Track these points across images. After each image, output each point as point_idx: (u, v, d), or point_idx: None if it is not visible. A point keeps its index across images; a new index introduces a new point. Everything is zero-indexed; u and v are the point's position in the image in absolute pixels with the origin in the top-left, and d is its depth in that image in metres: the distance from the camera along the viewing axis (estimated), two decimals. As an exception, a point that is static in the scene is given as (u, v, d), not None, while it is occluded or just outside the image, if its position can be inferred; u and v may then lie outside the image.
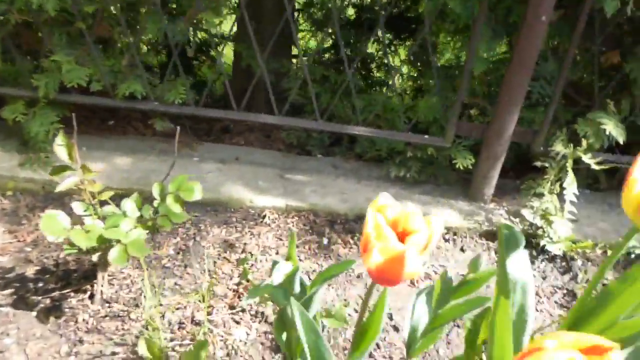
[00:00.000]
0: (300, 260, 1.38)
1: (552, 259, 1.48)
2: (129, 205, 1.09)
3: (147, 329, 1.08)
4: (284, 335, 0.80)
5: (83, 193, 1.06)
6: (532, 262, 1.47)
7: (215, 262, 1.34)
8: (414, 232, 0.44)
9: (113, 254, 1.02)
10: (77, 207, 1.07)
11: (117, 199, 1.11)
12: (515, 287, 0.64)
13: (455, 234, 1.53)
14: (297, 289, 0.77)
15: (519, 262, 0.62)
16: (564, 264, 1.48)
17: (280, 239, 1.45)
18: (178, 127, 1.26)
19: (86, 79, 1.49)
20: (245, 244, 1.41)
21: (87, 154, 1.64)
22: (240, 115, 1.62)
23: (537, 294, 1.36)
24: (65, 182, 0.96)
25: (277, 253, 1.39)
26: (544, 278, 1.43)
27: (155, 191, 1.10)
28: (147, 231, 1.09)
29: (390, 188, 1.69)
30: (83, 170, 0.95)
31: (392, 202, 0.46)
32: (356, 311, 1.23)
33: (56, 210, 0.99)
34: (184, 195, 1.08)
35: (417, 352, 0.98)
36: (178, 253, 1.36)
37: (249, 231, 1.46)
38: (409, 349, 0.98)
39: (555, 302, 1.36)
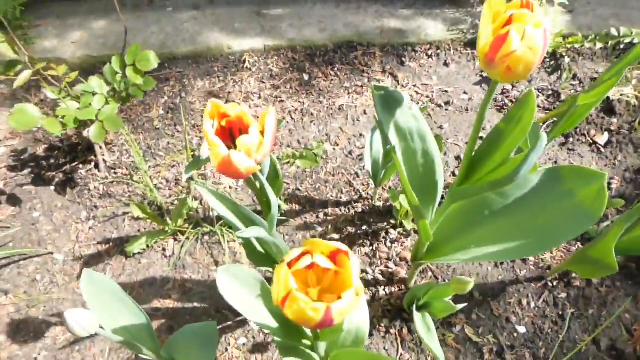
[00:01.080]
0: (282, 100, 1.42)
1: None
2: (95, 82, 1.13)
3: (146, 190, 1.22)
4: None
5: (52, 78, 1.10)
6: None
7: (202, 117, 1.40)
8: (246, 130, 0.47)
9: (92, 132, 1.10)
10: (49, 93, 1.13)
11: (100, 66, 1.14)
12: (412, 135, 0.66)
13: (438, 48, 1.49)
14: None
15: (405, 114, 0.64)
16: (552, 62, 1.43)
17: (262, 82, 1.47)
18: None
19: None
20: (228, 92, 1.45)
21: (62, 23, 1.63)
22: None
23: (516, 100, 1.35)
24: (20, 78, 1.00)
25: (259, 97, 1.43)
26: (529, 81, 1.41)
27: (116, 65, 1.13)
28: (121, 103, 1.15)
29: (370, 7, 1.60)
30: (31, 63, 0.99)
31: (226, 105, 0.49)
32: (337, 144, 1.30)
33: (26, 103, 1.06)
34: (141, 66, 1.10)
35: (382, 182, 1.07)
36: (168, 112, 1.43)
37: (232, 79, 1.49)
38: (375, 179, 1.06)
39: (538, 105, 1.35)
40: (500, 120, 0.62)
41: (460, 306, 0.82)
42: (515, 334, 0.96)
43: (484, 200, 0.76)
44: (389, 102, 0.65)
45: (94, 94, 1.14)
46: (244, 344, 0.98)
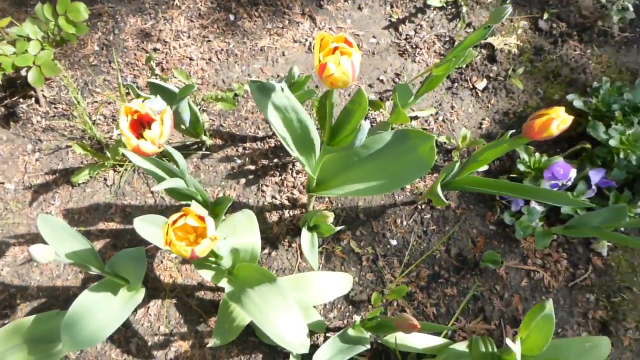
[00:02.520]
0: (209, 40, 1.56)
1: (443, 7, 1.61)
2: (29, 28, 1.24)
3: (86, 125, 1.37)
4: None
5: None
6: (424, 12, 1.61)
7: (135, 54, 1.53)
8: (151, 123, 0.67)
9: (31, 77, 1.23)
10: (-14, 39, 1.23)
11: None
12: (287, 110, 0.87)
13: (353, -8, 1.63)
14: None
15: (279, 96, 0.84)
16: (453, 10, 1.61)
17: (191, 21, 1.59)
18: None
19: None
20: (160, 30, 1.56)
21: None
22: None
23: (417, 46, 1.55)
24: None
25: (188, 37, 1.56)
26: (431, 27, 1.59)
27: (48, 13, 1.23)
28: (55, 47, 1.27)
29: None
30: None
31: (137, 104, 0.67)
32: (257, 84, 1.48)
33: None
34: (72, 17, 1.22)
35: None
36: (102, 49, 1.54)
37: (162, 16, 1.59)
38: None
39: (435, 51, 1.56)
40: (348, 102, 0.82)
41: (338, 228, 1.08)
42: (389, 246, 1.25)
43: (354, 151, 0.99)
44: (263, 90, 0.84)
45: (28, 39, 1.25)
46: (175, 257, 1.22)
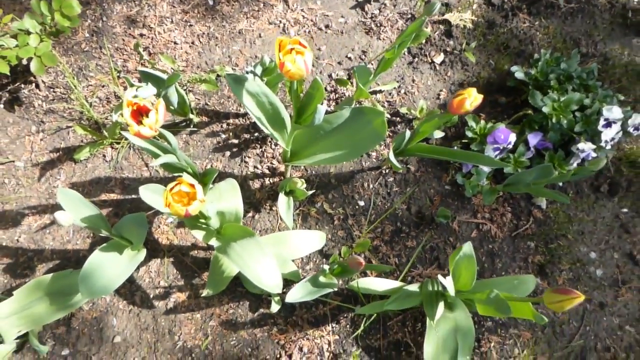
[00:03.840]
0: (191, 24, 1.69)
1: (405, -14, 1.75)
2: (28, 23, 1.38)
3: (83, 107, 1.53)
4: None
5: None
6: (388, -8, 1.74)
7: (123, 40, 1.67)
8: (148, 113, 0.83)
9: (33, 67, 1.38)
10: (-10, 34, 1.36)
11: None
12: (259, 95, 1.03)
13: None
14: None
15: (252, 84, 1.00)
16: (414, -11, 1.76)
17: (173, 6, 1.72)
18: None
19: None
20: (144, 16, 1.70)
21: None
22: None
23: (381, 24, 1.70)
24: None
25: (172, 22, 1.69)
26: (394, 6, 1.74)
27: (44, 9, 1.37)
28: (52, 38, 1.41)
29: None
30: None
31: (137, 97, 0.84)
32: (237, 65, 1.63)
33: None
34: (66, 12, 1.35)
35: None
36: (92, 35, 1.67)
37: (146, 3, 1.72)
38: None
39: (398, 28, 1.71)
40: (309, 88, 0.99)
41: (310, 192, 1.26)
42: (357, 206, 1.43)
43: (320, 125, 1.16)
44: (238, 81, 1.00)
45: (28, 32, 1.39)
46: (171, 222, 1.40)
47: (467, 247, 1.02)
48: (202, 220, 1.05)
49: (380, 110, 1.06)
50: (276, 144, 1.49)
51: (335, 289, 1.18)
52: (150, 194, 1.04)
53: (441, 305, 1.07)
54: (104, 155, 1.49)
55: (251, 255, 0.95)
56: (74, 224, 0.90)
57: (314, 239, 1.32)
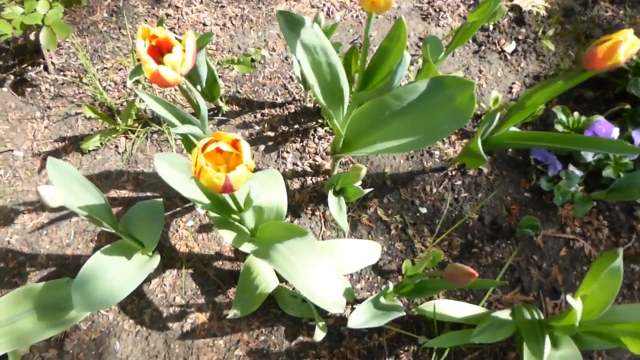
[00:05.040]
0: (223, 5, 1.48)
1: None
2: (38, -13, 1.18)
3: (97, 91, 1.31)
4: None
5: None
6: (448, -25, 1.52)
7: (145, 20, 1.46)
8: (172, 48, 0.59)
9: (43, 38, 1.17)
10: (-8, -3, 1.16)
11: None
12: (316, 50, 0.79)
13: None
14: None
15: (308, 33, 0.76)
16: (478, -28, 1.53)
17: (204, -14, 1.52)
18: None
19: None
20: (171, -4, 1.50)
21: None
22: None
23: (440, 9, 1.47)
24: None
25: (201, 2, 1.49)
26: (455, -9, 1.51)
27: (56, -30, 1.16)
28: (64, 6, 1.20)
29: None
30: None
31: (157, 29, 0.60)
32: (274, 50, 1.41)
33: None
34: (82, -27, 1.15)
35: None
36: (112, 15, 1.47)
37: (174, -18, 1.52)
38: (304, 83, 1.19)
39: (459, 15, 1.48)
40: (383, 40, 0.75)
41: (367, 190, 1.01)
42: (418, 214, 1.17)
43: (385, 103, 0.92)
44: (292, 25, 0.77)
45: (37, -3, 1.19)
46: (191, 226, 1.16)
47: (618, 260, 0.75)
48: (235, 216, 0.80)
49: (469, 80, 0.81)
50: (320, 138, 1.25)
51: (403, 314, 0.91)
52: (167, 168, 0.76)
53: (547, 341, 0.79)
54: (116, 146, 1.26)
55: (303, 259, 0.70)
56: (64, 207, 0.65)
57: (368, 251, 1.06)
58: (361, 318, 0.85)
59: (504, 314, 0.89)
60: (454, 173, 1.22)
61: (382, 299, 0.90)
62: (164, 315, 1.07)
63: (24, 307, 0.95)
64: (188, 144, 0.81)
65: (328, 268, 0.69)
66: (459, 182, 1.21)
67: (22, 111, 1.32)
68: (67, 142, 1.27)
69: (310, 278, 0.68)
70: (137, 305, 1.07)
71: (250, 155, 0.56)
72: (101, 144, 1.25)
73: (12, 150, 1.26)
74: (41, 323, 0.94)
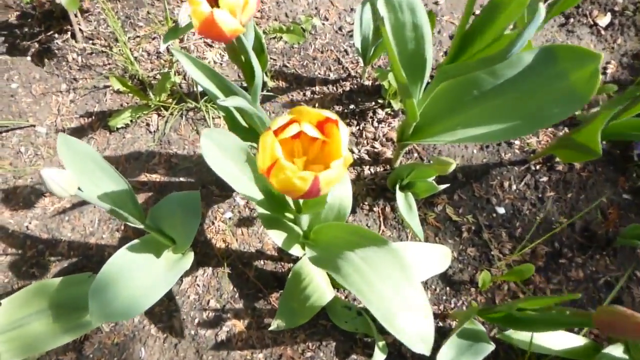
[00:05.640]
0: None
1: None
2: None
3: (127, 63, 1.17)
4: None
5: None
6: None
7: (184, -16, 1.31)
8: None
9: (64, -2, 1.03)
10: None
11: None
12: (402, 7, 0.62)
13: None
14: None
15: None
16: None
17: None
18: None
19: None
20: (212, -43, 1.33)
21: None
22: None
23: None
24: None
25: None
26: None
27: None
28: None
29: None
30: None
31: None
32: (327, 19, 1.23)
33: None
34: None
35: (371, 60, 1.03)
36: (147, -22, 1.32)
37: (216, -58, 1.36)
38: (364, 57, 1.02)
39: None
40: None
41: (442, 186, 0.83)
42: (494, 214, 0.99)
43: (474, 80, 0.74)
44: None
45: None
46: (230, 218, 1.01)
47: None
48: (289, 215, 0.64)
49: (592, 51, 0.62)
50: (380, 121, 1.08)
51: (493, 347, 0.73)
52: (215, 151, 0.55)
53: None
54: (148, 124, 1.11)
55: (383, 275, 0.53)
56: (77, 196, 0.50)
57: (437, 257, 0.89)
58: (450, 353, 0.68)
59: (617, 351, 0.71)
60: (538, 167, 1.03)
61: (468, 324, 0.73)
62: (197, 320, 0.92)
63: (35, 307, 0.82)
64: (232, 123, 0.65)
65: (417, 291, 0.52)
66: (544, 179, 1.02)
67: (46, 83, 1.19)
68: (93, 118, 1.13)
69: (392, 301, 0.51)
70: (166, 307, 0.94)
71: (347, 139, 0.40)
72: (131, 121, 1.11)
73: (34, 126, 1.13)
74: (56, 326, 0.81)
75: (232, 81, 1.13)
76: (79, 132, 1.12)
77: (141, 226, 0.68)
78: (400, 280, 0.52)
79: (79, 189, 0.50)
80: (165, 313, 0.93)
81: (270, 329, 0.85)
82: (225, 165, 0.54)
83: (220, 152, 0.54)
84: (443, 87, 0.75)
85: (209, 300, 0.93)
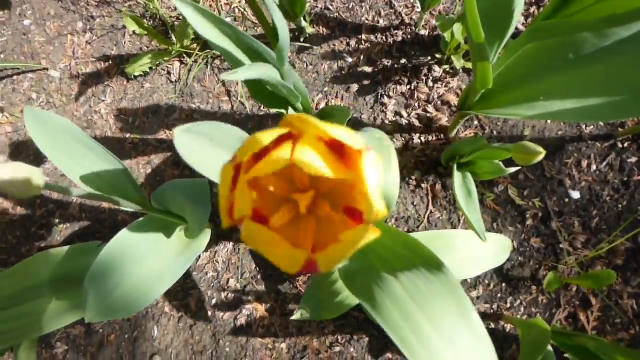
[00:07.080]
0: None
1: None
2: None
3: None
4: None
5: None
6: None
7: None
8: None
9: None
10: None
11: None
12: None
13: None
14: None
15: None
16: None
17: None
18: None
19: None
20: None
21: None
22: None
23: None
24: None
25: None
26: None
27: None
28: None
29: None
30: None
31: None
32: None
33: None
34: None
35: (432, 5, 0.86)
36: None
37: None
38: (423, 1, 0.85)
39: None
40: None
41: (512, 169, 0.68)
42: (567, 200, 0.83)
43: (572, 40, 0.56)
44: None
45: None
46: (256, 186, 0.89)
47: None
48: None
49: None
50: (436, 80, 0.91)
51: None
52: (194, 146, 0.41)
53: None
54: (169, 73, 0.98)
55: (435, 316, 0.40)
56: (46, 183, 0.38)
57: (494, 249, 0.75)
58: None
59: None
60: (626, 145, 0.85)
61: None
62: (215, 301, 0.83)
63: (36, 279, 0.74)
64: (255, 89, 0.51)
65: (482, 342, 0.39)
66: (633, 159, 0.84)
67: (62, 20, 1.07)
68: (110, 62, 1.01)
69: (445, 355, 0.38)
70: (181, 284, 0.84)
71: (381, 190, 0.24)
72: (150, 68, 0.98)
73: (47, 69, 1.02)
74: (60, 304, 0.73)
75: (257, 37, 0.98)
76: (94, 79, 1.00)
77: (143, 210, 0.57)
78: (460, 324, 0.39)
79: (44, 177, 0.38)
80: (180, 290, 0.84)
81: (293, 317, 0.74)
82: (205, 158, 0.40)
83: (205, 142, 0.41)
84: (529, 49, 0.58)
85: (228, 280, 0.83)
